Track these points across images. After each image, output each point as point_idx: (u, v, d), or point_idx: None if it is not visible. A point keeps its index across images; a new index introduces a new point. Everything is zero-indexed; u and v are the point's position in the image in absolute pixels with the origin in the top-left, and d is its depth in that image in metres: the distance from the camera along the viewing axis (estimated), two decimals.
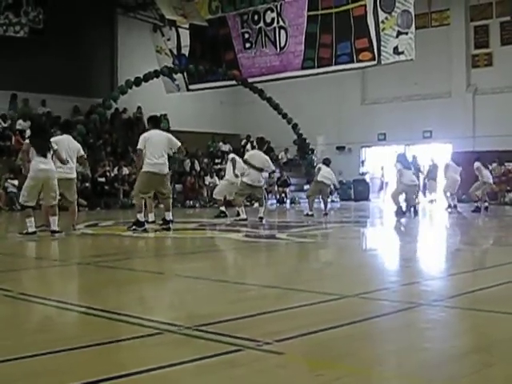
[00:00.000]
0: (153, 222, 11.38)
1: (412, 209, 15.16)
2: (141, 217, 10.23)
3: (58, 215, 9.46)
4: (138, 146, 10.34)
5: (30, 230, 9.20)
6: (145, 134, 10.42)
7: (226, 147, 28.01)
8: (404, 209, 15.06)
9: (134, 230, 10.09)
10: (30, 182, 9.29)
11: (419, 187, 17.12)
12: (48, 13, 22.52)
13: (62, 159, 9.71)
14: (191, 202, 21.91)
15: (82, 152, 10.68)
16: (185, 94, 25.48)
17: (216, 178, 23.54)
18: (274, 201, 25.29)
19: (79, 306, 4.21)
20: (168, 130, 26.37)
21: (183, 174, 23.48)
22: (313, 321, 3.72)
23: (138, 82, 21.37)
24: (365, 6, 19.90)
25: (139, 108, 26.13)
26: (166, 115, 26.72)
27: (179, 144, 10.65)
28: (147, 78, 21.76)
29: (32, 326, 3.80)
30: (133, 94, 22.20)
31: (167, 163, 10.41)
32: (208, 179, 23.46)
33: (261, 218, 13.06)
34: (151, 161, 10.15)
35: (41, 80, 22.76)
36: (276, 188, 25.89)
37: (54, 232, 9.33)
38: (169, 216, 10.51)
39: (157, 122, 10.93)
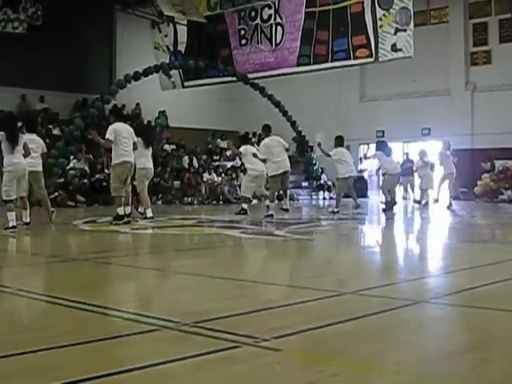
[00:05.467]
0: (151, 218, 11.66)
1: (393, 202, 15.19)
2: (120, 210, 10.82)
3: (28, 208, 10.14)
4: (108, 137, 10.98)
5: (11, 224, 9.40)
6: (113, 126, 11.09)
7: (224, 144, 28.00)
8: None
9: (116, 224, 10.59)
10: (9, 175, 9.62)
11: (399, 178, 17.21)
12: (46, 9, 22.44)
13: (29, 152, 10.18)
14: (189, 199, 21.89)
15: (46, 149, 11.55)
16: (183, 90, 25.42)
17: (214, 175, 23.53)
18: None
19: (76, 302, 4.20)
20: (167, 127, 26.55)
21: (181, 171, 23.46)
22: (311, 317, 3.72)
23: (137, 76, 21.29)
24: (362, 2, 19.86)
25: (138, 104, 26.10)
26: (164, 112, 26.71)
27: (136, 139, 11.36)
28: (147, 72, 21.68)
29: (28, 322, 3.80)
30: (131, 90, 22.14)
31: (133, 155, 11.21)
32: (206, 176, 23.44)
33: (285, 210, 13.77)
34: (124, 151, 10.92)
35: (39, 76, 22.71)
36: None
37: (26, 224, 9.92)
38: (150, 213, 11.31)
39: (120, 114, 11.76)
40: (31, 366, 2.80)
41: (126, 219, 10.77)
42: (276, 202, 14.18)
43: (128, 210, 11.72)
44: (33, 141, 10.73)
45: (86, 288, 5.00)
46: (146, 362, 2.78)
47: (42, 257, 7.53)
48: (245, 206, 14.17)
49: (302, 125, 25.95)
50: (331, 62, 21.01)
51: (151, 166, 12.20)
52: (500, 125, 23.70)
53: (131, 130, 11.33)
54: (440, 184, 17.90)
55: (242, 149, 14.39)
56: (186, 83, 24.89)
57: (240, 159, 14.77)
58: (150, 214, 11.77)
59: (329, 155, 15.20)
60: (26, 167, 9.82)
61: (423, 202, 18.77)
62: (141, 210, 12.39)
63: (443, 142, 18.30)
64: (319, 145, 16.01)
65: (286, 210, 13.84)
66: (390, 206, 14.73)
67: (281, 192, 14.99)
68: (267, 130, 14.31)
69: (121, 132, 11.00)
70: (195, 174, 23.41)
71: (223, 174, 24.14)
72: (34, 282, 5.53)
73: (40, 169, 10.99)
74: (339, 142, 15.39)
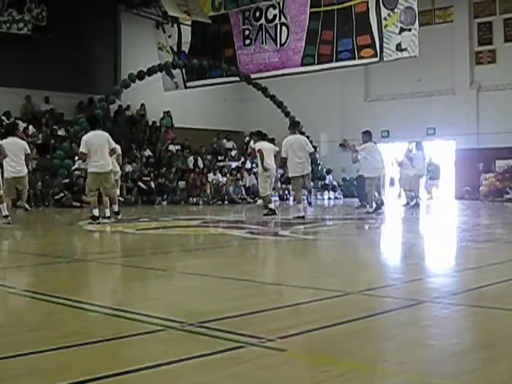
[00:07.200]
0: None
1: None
2: (96, 212, 11.37)
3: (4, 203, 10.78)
4: (81, 150, 11.33)
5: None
6: (84, 137, 11.42)
7: (229, 144, 28.01)
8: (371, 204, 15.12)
9: (90, 223, 11.18)
10: None
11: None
12: (51, 10, 22.52)
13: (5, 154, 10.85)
14: (194, 199, 21.92)
15: (29, 150, 11.62)
16: (188, 90, 25.44)
17: (219, 175, 23.53)
18: (277, 198, 25.27)
19: (81, 302, 4.21)
20: (171, 127, 26.58)
21: (186, 171, 23.48)
22: (316, 317, 3.72)
23: (141, 76, 21.36)
24: (367, 2, 19.89)
25: (143, 105, 26.15)
26: (169, 112, 26.72)
27: (114, 145, 11.58)
28: (151, 72, 21.74)
29: (34, 322, 3.80)
30: (136, 90, 22.19)
31: (109, 161, 11.42)
32: (211, 176, 23.46)
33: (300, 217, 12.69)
34: (97, 162, 11.21)
35: (44, 77, 22.77)
36: (279, 185, 25.89)
37: (6, 217, 10.59)
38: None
39: (95, 122, 12.16)
40: (37, 367, 2.80)
41: (99, 220, 11.37)
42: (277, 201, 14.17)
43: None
44: (13, 144, 11.08)
45: (91, 288, 5.00)
46: (151, 362, 2.78)
47: (48, 257, 7.53)
48: (272, 205, 13.76)
49: (307, 125, 25.89)
50: (336, 61, 21.03)
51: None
52: (505, 124, 23.67)
53: (107, 138, 11.40)
54: (413, 184, 18.36)
55: (257, 145, 14.14)
56: (188, 84, 24.93)
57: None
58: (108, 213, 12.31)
59: (356, 151, 14.68)
60: None
61: (412, 203, 18.54)
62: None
63: (416, 143, 18.73)
64: (345, 141, 15.71)
65: (302, 217, 12.76)
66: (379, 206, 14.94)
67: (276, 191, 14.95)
68: (294, 127, 13.92)
69: (93, 141, 11.22)
70: (200, 175, 23.44)
71: (228, 175, 24.14)
72: (39, 283, 5.54)
73: (23, 173, 11.30)
74: (368, 136, 14.82)
